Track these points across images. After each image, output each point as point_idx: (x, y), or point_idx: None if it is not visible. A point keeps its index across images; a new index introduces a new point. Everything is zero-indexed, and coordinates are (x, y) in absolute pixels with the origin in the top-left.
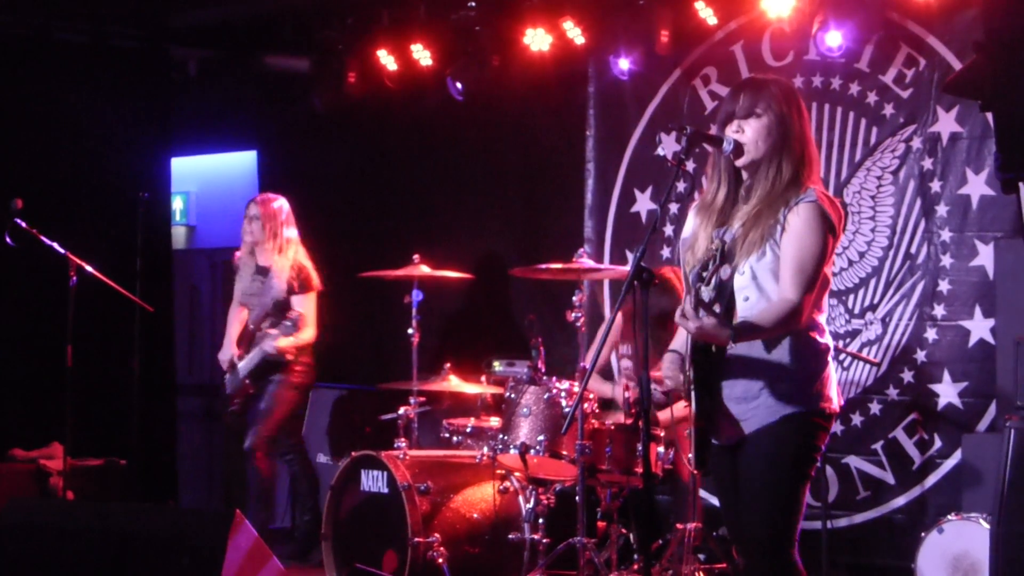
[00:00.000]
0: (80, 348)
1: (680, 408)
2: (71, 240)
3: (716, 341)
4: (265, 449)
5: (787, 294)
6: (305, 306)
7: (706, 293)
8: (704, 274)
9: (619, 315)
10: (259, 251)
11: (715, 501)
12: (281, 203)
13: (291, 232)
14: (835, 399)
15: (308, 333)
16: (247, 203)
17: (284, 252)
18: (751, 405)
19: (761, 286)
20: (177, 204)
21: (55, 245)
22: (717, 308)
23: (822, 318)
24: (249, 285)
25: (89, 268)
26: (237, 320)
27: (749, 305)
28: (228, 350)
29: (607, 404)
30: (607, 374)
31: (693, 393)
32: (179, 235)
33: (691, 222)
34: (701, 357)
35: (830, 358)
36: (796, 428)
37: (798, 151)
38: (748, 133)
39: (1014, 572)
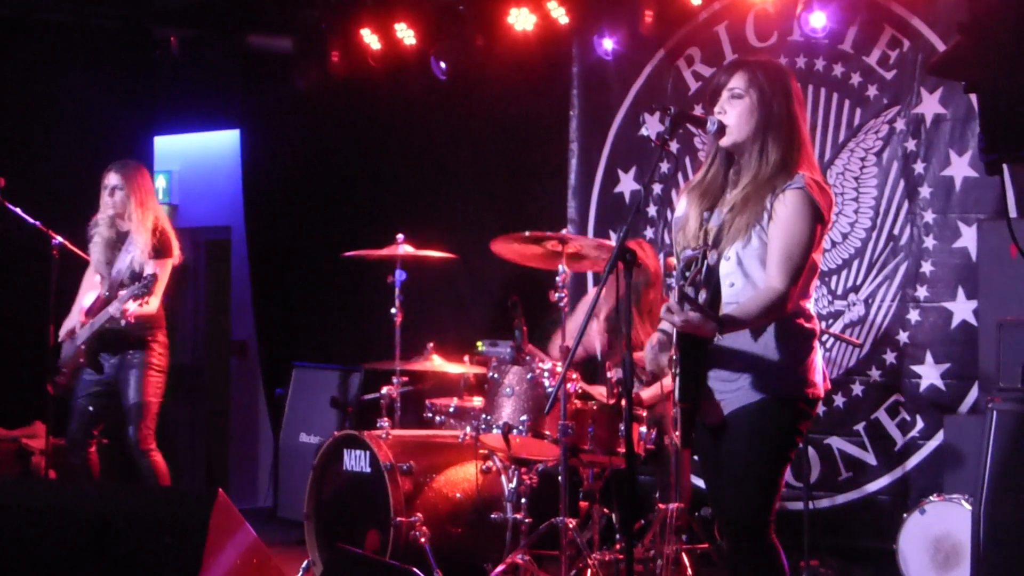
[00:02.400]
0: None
1: (668, 384)
2: (54, 218)
3: (702, 334)
4: (155, 443)
5: (773, 283)
6: (158, 272)
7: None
8: (687, 273)
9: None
10: (120, 222)
11: (699, 482)
12: (143, 171)
13: (153, 200)
14: (820, 384)
15: (153, 303)
16: (105, 171)
17: (145, 221)
18: (733, 387)
19: (747, 272)
20: (160, 183)
21: (38, 224)
22: (704, 294)
23: (809, 303)
24: (105, 254)
25: (72, 247)
26: (90, 289)
27: (735, 291)
28: (73, 318)
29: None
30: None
31: (678, 378)
32: None
33: (683, 203)
34: (687, 343)
35: (816, 343)
36: (777, 411)
37: (785, 133)
38: (730, 114)
39: (995, 553)
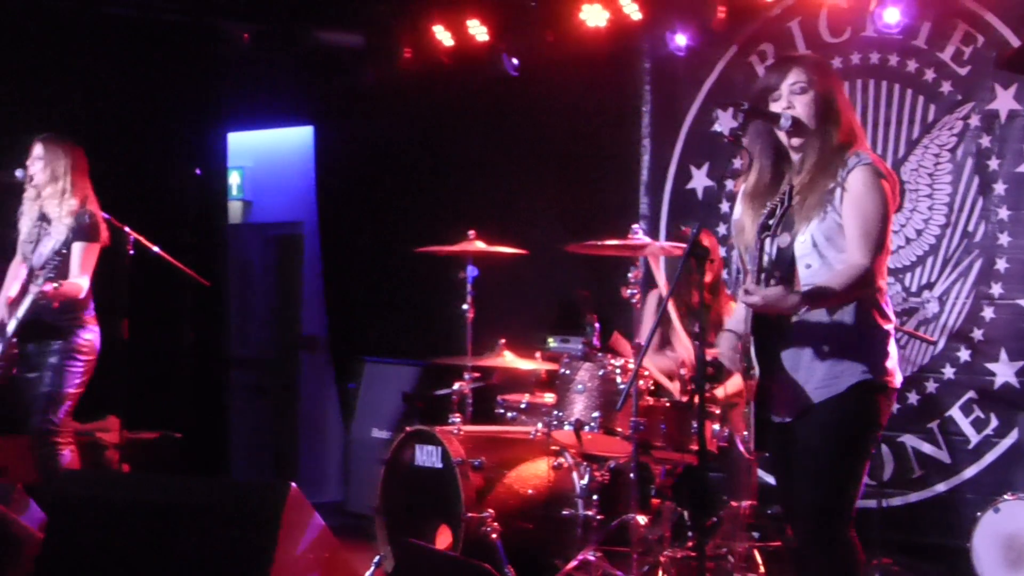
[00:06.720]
0: (136, 321)
1: (733, 385)
2: (128, 214)
3: (783, 310)
4: (61, 436)
5: (856, 259)
6: (81, 255)
7: (767, 259)
8: (771, 223)
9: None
10: (43, 196)
11: (770, 479)
12: (69, 146)
13: (78, 178)
14: (898, 374)
15: (76, 284)
16: (34, 142)
17: (67, 198)
18: (813, 378)
19: (822, 252)
20: (234, 179)
21: (112, 219)
22: (775, 280)
23: (885, 287)
24: (28, 233)
25: (146, 242)
26: (15, 276)
27: (811, 272)
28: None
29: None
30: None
31: (756, 367)
32: (235, 209)
33: (738, 208)
34: (763, 330)
35: (892, 329)
36: (858, 401)
37: (844, 120)
38: (799, 108)
39: None
